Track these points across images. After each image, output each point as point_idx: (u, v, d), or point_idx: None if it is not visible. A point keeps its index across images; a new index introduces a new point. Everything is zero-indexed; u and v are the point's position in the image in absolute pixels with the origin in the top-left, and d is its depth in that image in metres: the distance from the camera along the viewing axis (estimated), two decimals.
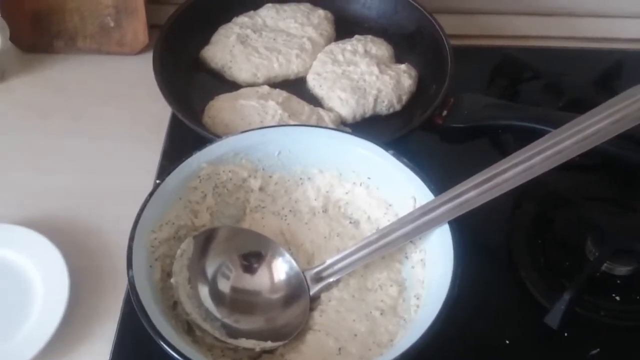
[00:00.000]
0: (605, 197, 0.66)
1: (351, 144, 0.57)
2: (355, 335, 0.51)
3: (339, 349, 0.50)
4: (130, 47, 0.82)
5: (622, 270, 0.61)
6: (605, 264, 0.60)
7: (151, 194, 0.52)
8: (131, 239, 0.49)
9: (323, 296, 0.53)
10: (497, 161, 0.65)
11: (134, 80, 0.80)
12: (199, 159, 0.55)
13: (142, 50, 0.83)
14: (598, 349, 0.57)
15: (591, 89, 0.74)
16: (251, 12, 0.78)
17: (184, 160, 0.54)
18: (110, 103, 0.78)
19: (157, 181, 0.53)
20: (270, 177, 0.58)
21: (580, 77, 0.76)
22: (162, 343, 0.43)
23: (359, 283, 0.54)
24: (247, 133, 0.56)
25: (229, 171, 0.56)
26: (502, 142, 0.69)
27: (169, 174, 0.53)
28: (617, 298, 0.60)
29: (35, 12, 0.80)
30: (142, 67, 0.81)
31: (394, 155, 0.55)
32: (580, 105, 0.72)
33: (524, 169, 0.49)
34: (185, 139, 0.73)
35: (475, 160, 0.69)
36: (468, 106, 0.66)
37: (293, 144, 0.57)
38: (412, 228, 0.51)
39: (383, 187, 0.56)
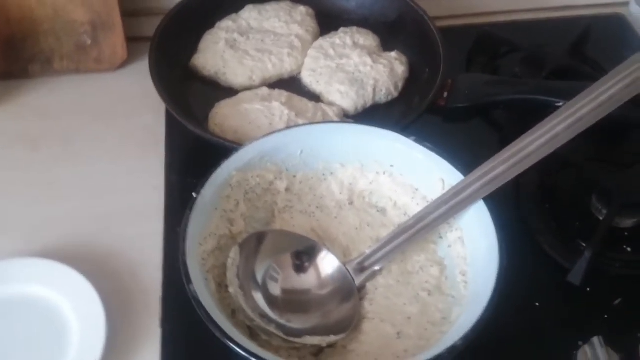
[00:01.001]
0: (601, 156, 0.70)
1: (371, 135, 0.58)
2: (409, 318, 0.53)
3: (398, 333, 0.52)
4: (109, 63, 0.80)
5: (628, 222, 0.65)
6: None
7: (191, 208, 0.52)
8: (183, 253, 0.49)
9: (369, 285, 0.55)
10: (500, 138, 0.68)
11: (119, 96, 0.79)
12: (229, 168, 0.55)
13: (121, 66, 0.82)
14: (620, 299, 0.61)
15: (568, 57, 0.78)
16: (233, 16, 0.78)
17: (214, 171, 0.54)
18: (100, 122, 0.76)
19: (194, 194, 0.53)
20: (295, 176, 0.59)
21: (555, 46, 0.79)
22: (241, 351, 0.44)
23: (400, 268, 0.56)
24: (270, 136, 0.57)
25: (257, 176, 0.57)
26: (504, 118, 0.71)
27: (203, 186, 0.53)
28: (629, 249, 0.64)
29: (7, 38, 0.77)
30: (125, 82, 0.81)
31: (416, 141, 0.57)
32: (562, 74, 0.76)
33: (547, 139, 0.52)
34: (186, 149, 0.73)
35: (482, 139, 0.73)
36: (468, 86, 0.69)
37: (314, 142, 0.58)
38: (448, 208, 0.53)
39: (407, 173, 0.58)
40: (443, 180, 0.56)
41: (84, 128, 0.75)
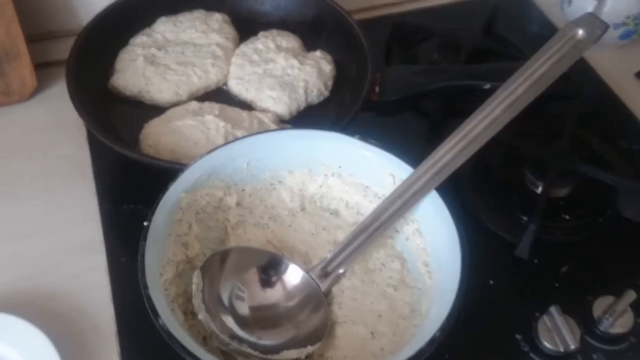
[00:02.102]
0: (526, 131, 0.72)
1: (315, 138, 0.58)
2: (380, 315, 0.53)
3: (371, 332, 0.52)
4: (19, 94, 0.76)
5: (562, 191, 0.68)
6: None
7: (145, 237, 0.49)
8: (144, 286, 0.47)
9: (335, 289, 0.55)
10: (437, 123, 0.70)
11: (34, 127, 0.75)
12: (177, 190, 0.53)
13: (31, 95, 0.77)
14: (566, 266, 0.64)
15: (482, 38, 0.80)
16: (147, 30, 0.75)
17: (162, 196, 0.52)
18: (18, 157, 0.71)
19: (145, 223, 0.50)
20: (244, 190, 0.58)
21: (468, 28, 0.82)
22: None
23: (362, 267, 0.56)
24: (214, 152, 0.55)
25: (206, 194, 0.55)
26: (432, 107, 0.73)
27: (153, 212, 0.51)
28: (567, 217, 0.67)
29: None
30: (37, 112, 0.76)
31: (360, 139, 0.57)
32: (480, 55, 0.79)
33: (489, 122, 0.53)
34: (116, 175, 0.70)
35: (416, 129, 0.74)
36: (398, 78, 0.69)
37: (260, 153, 0.57)
38: (402, 202, 0.54)
39: (356, 172, 0.58)
40: (393, 175, 0.56)
41: (4, 164, 0.71)
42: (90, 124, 0.62)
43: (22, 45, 0.73)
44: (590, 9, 0.79)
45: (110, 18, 0.72)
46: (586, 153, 0.71)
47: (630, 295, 0.59)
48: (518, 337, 0.59)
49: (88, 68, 0.69)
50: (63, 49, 0.79)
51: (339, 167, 0.58)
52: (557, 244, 0.66)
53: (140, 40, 0.73)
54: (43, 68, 0.77)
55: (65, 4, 0.80)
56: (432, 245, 0.53)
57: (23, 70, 0.74)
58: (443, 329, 0.46)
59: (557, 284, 0.63)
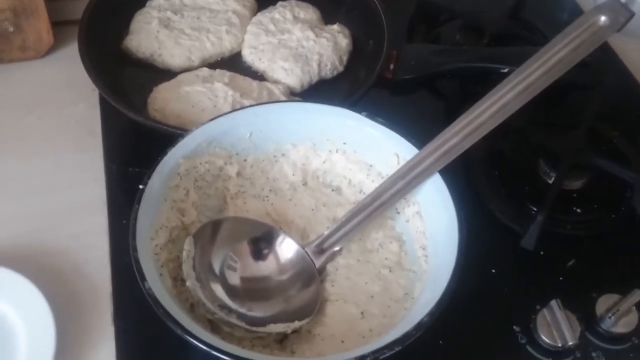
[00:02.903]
0: (543, 120, 0.70)
1: (322, 112, 0.56)
2: (372, 296, 0.52)
3: (361, 312, 0.51)
4: (35, 50, 0.76)
5: (576, 184, 0.66)
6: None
7: (139, 201, 0.49)
8: (134, 249, 0.46)
9: (329, 267, 0.54)
10: (446, 108, 0.68)
11: (47, 85, 0.75)
12: (175, 156, 0.52)
13: (47, 52, 0.77)
14: (573, 260, 0.62)
15: (507, 22, 0.78)
16: None
17: (160, 160, 0.52)
18: (30, 114, 0.71)
19: (141, 186, 0.50)
20: (245, 160, 0.57)
21: (493, 12, 0.80)
22: (202, 346, 0.42)
23: (360, 247, 0.55)
24: (217, 120, 0.55)
25: (206, 162, 0.55)
26: (448, 88, 0.71)
27: (150, 176, 0.51)
28: (578, 210, 0.65)
29: None
30: (52, 70, 0.76)
31: (367, 116, 0.56)
32: (503, 39, 0.77)
33: (499, 107, 0.52)
34: (124, 137, 0.70)
35: (429, 110, 0.73)
36: (414, 57, 0.68)
37: (263, 124, 0.56)
38: (404, 183, 0.52)
39: (361, 149, 0.57)
40: (397, 155, 0.55)
41: (12, 122, 0.71)
42: (98, 84, 0.62)
43: (40, 1, 0.73)
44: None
45: None
46: (604, 147, 0.69)
47: (637, 295, 0.57)
48: (516, 328, 0.58)
49: (102, 28, 0.69)
50: (80, 8, 0.79)
51: (344, 143, 0.57)
52: (565, 237, 0.64)
53: (157, 2, 0.73)
54: (60, 26, 0.77)
55: None
56: (431, 229, 0.52)
57: (40, 26, 0.74)
58: (432, 314, 0.44)
59: (561, 278, 0.62)
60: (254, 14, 0.74)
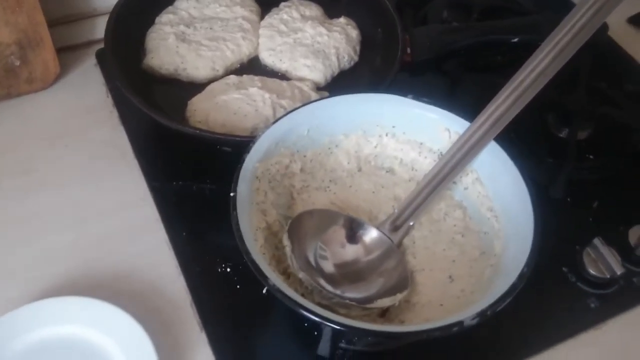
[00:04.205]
0: None
1: (369, 101, 0.60)
2: (453, 260, 0.57)
3: (449, 276, 0.55)
4: (42, 81, 0.75)
5: (583, 134, 0.73)
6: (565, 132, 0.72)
7: (234, 207, 0.51)
8: (246, 253, 0.49)
9: (406, 241, 0.58)
10: (456, 80, 0.73)
11: (64, 113, 0.75)
12: (252, 160, 0.55)
13: (54, 81, 0.76)
14: (597, 201, 0.69)
15: None
16: (170, 8, 0.75)
17: (240, 167, 0.54)
18: (56, 144, 0.71)
19: (232, 194, 0.52)
20: (305, 156, 0.60)
21: None
22: (345, 329, 0.45)
23: (428, 219, 0.59)
24: (279, 122, 0.57)
25: (275, 163, 0.57)
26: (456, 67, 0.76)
27: (236, 183, 0.53)
28: (591, 157, 0.72)
29: None
30: (63, 98, 0.76)
31: (414, 98, 0.60)
32: (493, 13, 0.82)
33: (537, 74, 0.57)
34: (156, 153, 0.71)
35: (453, 84, 0.77)
36: (427, 38, 0.72)
37: (318, 119, 0.59)
38: (463, 155, 0.57)
39: (409, 130, 0.61)
40: (449, 130, 0.59)
41: (41, 154, 0.71)
42: (143, 105, 0.63)
43: (44, 31, 0.72)
44: None
45: None
46: (598, 98, 0.77)
47: None
48: (564, 269, 0.64)
49: (121, 50, 0.69)
50: (80, 33, 0.80)
51: (393, 127, 0.61)
52: (585, 182, 0.71)
53: (166, 18, 0.74)
54: (61, 53, 0.76)
55: None
56: (494, 192, 0.57)
57: (46, 56, 0.74)
58: (528, 265, 0.50)
59: (590, 219, 0.68)
60: (261, 17, 0.76)
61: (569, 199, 0.69)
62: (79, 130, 0.73)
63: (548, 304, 0.62)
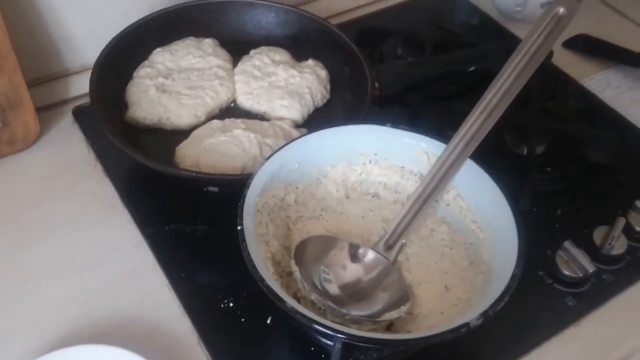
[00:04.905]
0: None
1: (352, 132, 0.65)
2: (446, 272, 0.61)
3: (445, 287, 0.60)
4: (23, 142, 0.77)
5: (539, 149, 0.80)
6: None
7: (243, 239, 0.54)
8: (261, 280, 0.52)
9: (401, 258, 0.62)
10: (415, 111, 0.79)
11: (47, 171, 0.76)
12: (252, 196, 0.58)
13: (35, 141, 0.78)
14: (560, 209, 0.76)
15: (438, 32, 0.91)
16: (146, 62, 0.78)
17: (243, 202, 0.57)
18: (43, 202, 0.73)
19: (239, 227, 0.55)
20: (297, 188, 0.64)
21: (422, 24, 0.92)
22: (367, 343, 0.49)
23: (417, 236, 0.64)
24: (272, 158, 0.61)
25: (272, 196, 0.61)
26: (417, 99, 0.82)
27: (241, 218, 0.56)
28: (549, 169, 0.79)
29: None
30: (45, 156, 0.78)
31: (392, 126, 0.65)
32: (442, 47, 0.89)
33: (502, 94, 0.63)
34: (145, 200, 0.74)
35: (414, 115, 0.83)
36: (392, 72, 0.78)
37: (307, 153, 0.63)
38: (442, 175, 0.62)
39: (391, 156, 0.66)
40: (427, 152, 0.64)
41: (29, 213, 0.72)
42: (136, 154, 0.65)
43: (24, 93, 0.74)
44: None
45: (112, 56, 0.75)
46: (548, 115, 0.84)
47: (621, 222, 0.71)
48: (541, 273, 0.70)
49: (105, 106, 0.71)
50: (54, 92, 0.82)
51: (375, 154, 0.66)
52: (547, 192, 0.77)
53: (144, 72, 0.77)
54: (38, 113, 0.78)
55: (55, 49, 0.82)
56: (475, 205, 0.62)
57: (27, 117, 0.75)
58: (519, 266, 0.54)
59: (557, 225, 0.74)
60: (233, 65, 0.81)
61: (535, 209, 0.75)
62: (65, 186, 0.74)
63: (530, 306, 0.66)
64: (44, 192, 0.73)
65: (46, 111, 0.80)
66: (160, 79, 0.76)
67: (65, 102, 0.83)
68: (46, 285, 0.65)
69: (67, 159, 0.77)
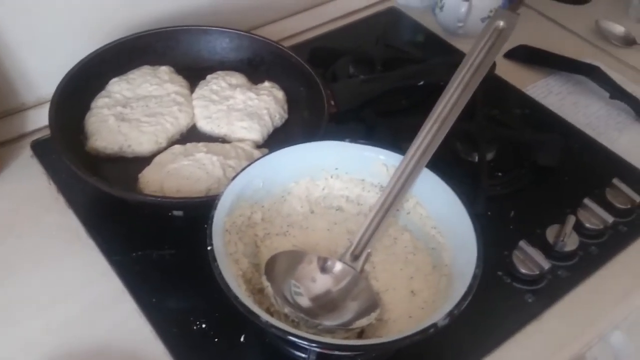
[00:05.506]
0: None
1: (312, 149, 0.67)
2: (411, 277, 0.63)
3: (411, 291, 0.62)
4: None
5: (489, 156, 0.84)
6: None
7: (214, 259, 0.55)
8: (235, 298, 0.53)
9: (367, 267, 0.64)
10: (386, 122, 0.82)
11: (9, 205, 0.76)
12: (220, 216, 0.59)
13: None
14: (513, 212, 0.79)
15: (386, 49, 0.95)
16: (104, 92, 0.79)
17: (211, 223, 0.58)
18: (8, 236, 0.73)
19: (209, 248, 0.57)
20: (263, 206, 0.66)
21: (371, 43, 0.96)
22: (339, 351, 0.51)
23: (382, 244, 0.66)
24: (237, 178, 0.62)
25: (239, 215, 0.62)
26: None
27: (210, 237, 0.57)
28: (500, 174, 0.82)
29: None
30: (6, 191, 0.77)
31: (351, 141, 0.67)
32: (391, 64, 0.93)
33: (451, 106, 0.66)
34: (110, 229, 0.74)
35: (370, 129, 0.86)
36: (347, 90, 0.81)
37: (270, 171, 0.65)
38: (401, 184, 0.64)
39: (351, 170, 0.68)
40: (385, 164, 0.67)
41: None
42: (99, 183, 0.66)
43: None
44: (463, 9, 0.97)
45: (69, 88, 0.75)
46: (495, 123, 0.88)
47: (572, 219, 0.75)
48: (499, 273, 0.73)
49: (65, 137, 0.72)
50: (11, 127, 0.82)
51: (336, 169, 0.68)
52: (499, 196, 0.80)
53: (102, 102, 0.78)
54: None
55: (10, 84, 0.83)
56: (434, 211, 0.65)
57: None
58: (478, 266, 0.57)
59: (511, 227, 0.78)
60: (190, 90, 0.82)
61: (489, 213, 0.78)
62: (28, 219, 0.74)
63: (491, 306, 0.69)
64: (8, 227, 0.73)
65: (4, 146, 0.80)
66: (119, 108, 0.77)
67: (22, 136, 0.83)
68: (17, 320, 0.65)
69: (28, 193, 0.77)
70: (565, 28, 1.11)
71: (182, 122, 0.77)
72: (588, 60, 1.01)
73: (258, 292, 0.60)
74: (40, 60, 0.83)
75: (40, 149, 0.81)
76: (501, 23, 0.68)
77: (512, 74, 0.98)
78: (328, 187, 0.69)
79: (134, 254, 0.71)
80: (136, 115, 0.77)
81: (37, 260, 0.71)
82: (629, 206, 0.79)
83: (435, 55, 0.96)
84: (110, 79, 0.81)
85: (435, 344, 0.65)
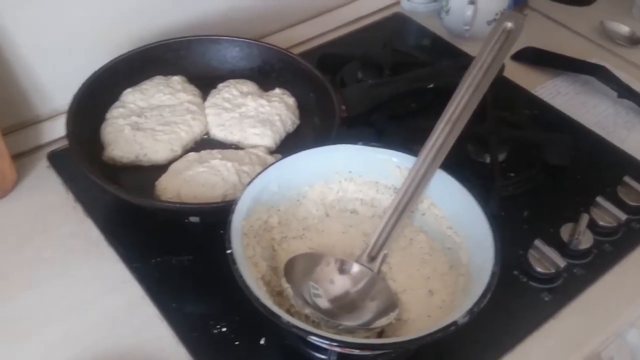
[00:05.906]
0: None
1: (326, 153, 0.68)
2: (428, 277, 0.64)
3: (429, 291, 0.63)
4: (1, 190, 0.77)
5: (501, 157, 0.84)
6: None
7: (234, 261, 0.56)
8: (256, 299, 0.54)
9: (384, 268, 0.64)
10: (397, 125, 0.83)
11: (26, 217, 0.77)
12: (238, 220, 0.60)
13: (12, 189, 0.79)
14: (526, 211, 0.80)
15: (393, 54, 0.96)
16: (118, 103, 0.80)
17: (230, 227, 0.59)
18: (25, 248, 0.73)
19: (228, 251, 0.57)
20: (279, 210, 0.66)
21: (378, 48, 0.97)
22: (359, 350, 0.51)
23: (398, 245, 0.66)
24: (253, 182, 0.63)
25: (257, 219, 0.63)
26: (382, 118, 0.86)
27: (229, 241, 0.58)
28: (512, 174, 0.83)
29: None
30: (23, 203, 0.79)
31: (364, 144, 0.68)
32: (399, 68, 0.94)
33: (464, 104, 0.67)
34: (128, 236, 0.75)
35: (380, 133, 0.87)
36: (357, 94, 0.82)
37: (285, 175, 0.66)
38: (416, 186, 0.65)
39: (365, 173, 0.69)
40: (399, 167, 0.68)
41: (12, 260, 0.72)
42: (119, 192, 0.67)
43: (0, 142, 0.75)
44: (469, 12, 0.98)
45: (84, 99, 0.76)
46: (505, 124, 0.88)
47: (585, 218, 0.76)
48: (515, 272, 0.73)
49: (82, 147, 0.73)
50: (27, 139, 0.83)
51: (350, 172, 0.69)
52: (512, 196, 0.81)
53: (117, 112, 0.79)
54: (15, 159, 0.79)
55: (25, 97, 0.84)
56: (449, 212, 0.66)
57: (3, 165, 0.76)
58: (496, 264, 0.58)
59: (525, 226, 0.78)
60: (203, 99, 0.83)
61: (503, 213, 0.79)
62: (47, 230, 0.75)
63: (508, 305, 0.69)
64: (27, 237, 0.74)
65: (20, 158, 0.81)
66: (134, 118, 0.78)
67: (37, 148, 0.84)
68: (38, 329, 0.66)
69: (46, 203, 0.78)
70: (571, 29, 1.11)
71: (196, 130, 0.78)
72: (594, 61, 1.02)
73: (277, 295, 0.61)
74: (54, 73, 0.84)
75: (57, 160, 0.82)
76: (509, 24, 0.69)
77: (520, 75, 0.99)
78: (342, 190, 0.69)
79: (153, 261, 0.72)
80: (151, 124, 0.78)
81: (58, 269, 0.71)
82: None
83: (442, 59, 0.97)
84: (123, 89, 0.82)
85: (454, 344, 0.65)
